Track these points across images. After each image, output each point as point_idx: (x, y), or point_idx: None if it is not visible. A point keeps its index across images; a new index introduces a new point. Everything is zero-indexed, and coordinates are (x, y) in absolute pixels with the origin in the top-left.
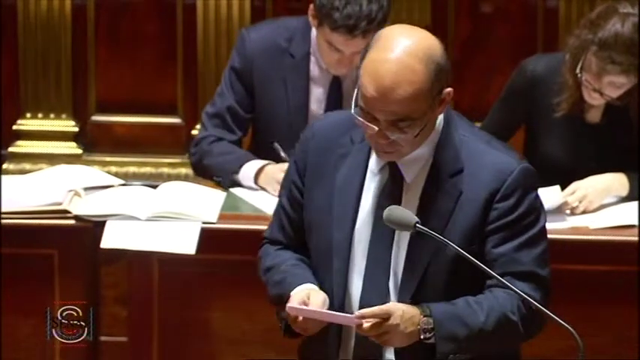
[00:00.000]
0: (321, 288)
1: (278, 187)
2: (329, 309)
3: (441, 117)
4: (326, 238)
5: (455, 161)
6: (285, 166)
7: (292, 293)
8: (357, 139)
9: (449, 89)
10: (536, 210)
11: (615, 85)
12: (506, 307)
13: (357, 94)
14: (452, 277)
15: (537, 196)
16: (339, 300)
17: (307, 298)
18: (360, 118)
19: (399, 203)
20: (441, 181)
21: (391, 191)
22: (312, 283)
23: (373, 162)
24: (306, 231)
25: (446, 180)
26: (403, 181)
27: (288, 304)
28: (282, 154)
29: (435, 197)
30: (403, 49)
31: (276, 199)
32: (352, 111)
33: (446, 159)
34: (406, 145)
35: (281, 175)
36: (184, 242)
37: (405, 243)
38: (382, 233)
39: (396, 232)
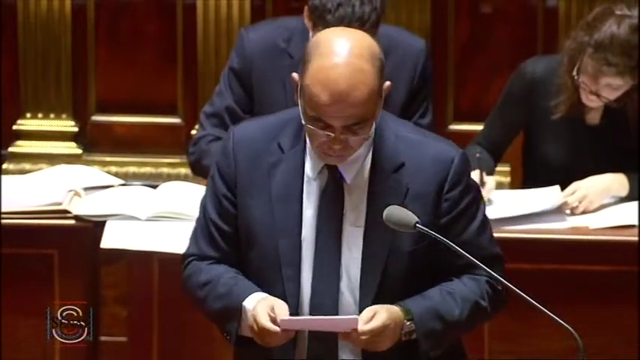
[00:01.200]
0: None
1: None
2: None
3: None
4: (270, 248)
5: (394, 156)
6: None
7: (247, 305)
8: (286, 146)
9: (387, 83)
10: (479, 193)
11: (612, 87)
12: (476, 294)
13: (303, 105)
14: (411, 272)
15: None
16: (293, 308)
17: (271, 310)
18: (312, 127)
19: (341, 205)
20: (384, 178)
21: (332, 194)
22: (259, 292)
23: (309, 167)
24: (243, 243)
25: (389, 176)
26: (344, 183)
27: (280, 319)
28: None
29: (382, 196)
30: (348, 51)
31: None
32: (302, 122)
33: (384, 155)
34: (357, 146)
35: None
36: (184, 242)
37: (357, 244)
38: (327, 236)
39: (344, 233)
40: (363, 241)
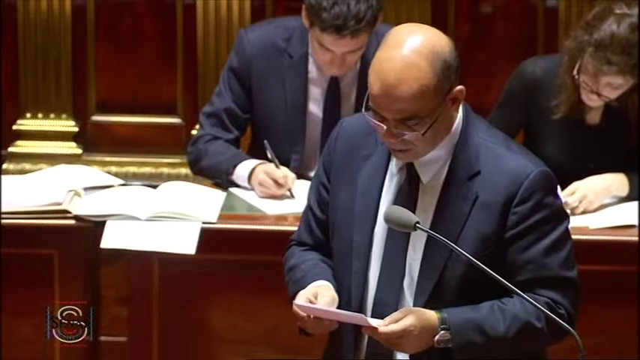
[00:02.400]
0: (340, 288)
1: (261, 189)
2: (347, 309)
3: (459, 119)
4: (346, 239)
5: (472, 164)
6: (270, 166)
7: (301, 292)
8: (380, 140)
9: (460, 87)
10: (558, 212)
11: (612, 86)
12: (530, 314)
13: (367, 94)
14: (468, 278)
15: (558, 198)
16: (357, 301)
17: (314, 297)
18: (371, 118)
19: (414, 204)
20: (458, 184)
21: (407, 192)
22: (327, 281)
23: (393, 163)
24: (330, 231)
25: (463, 182)
26: (420, 183)
27: (295, 302)
28: (269, 153)
29: (452, 200)
30: (409, 46)
31: (266, 200)
32: (362, 111)
33: (463, 161)
34: (418, 143)
35: (263, 177)
36: (184, 242)
37: (421, 245)
38: (397, 234)
39: (412, 233)
40: (425, 244)
